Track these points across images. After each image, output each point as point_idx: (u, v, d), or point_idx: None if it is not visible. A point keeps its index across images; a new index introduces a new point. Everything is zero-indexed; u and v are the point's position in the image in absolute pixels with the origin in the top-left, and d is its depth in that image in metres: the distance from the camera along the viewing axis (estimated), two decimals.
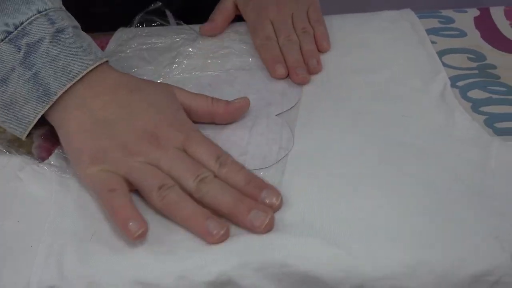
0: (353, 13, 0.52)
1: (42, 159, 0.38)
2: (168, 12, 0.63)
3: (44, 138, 0.41)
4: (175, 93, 0.37)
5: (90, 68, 0.34)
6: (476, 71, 0.43)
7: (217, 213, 0.30)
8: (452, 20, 0.50)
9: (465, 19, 0.50)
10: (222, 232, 0.29)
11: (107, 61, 0.37)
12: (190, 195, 0.31)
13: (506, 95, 0.41)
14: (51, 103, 0.34)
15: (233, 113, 0.38)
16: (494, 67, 0.44)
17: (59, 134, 0.35)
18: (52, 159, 0.37)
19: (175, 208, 0.30)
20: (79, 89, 0.34)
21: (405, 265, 0.27)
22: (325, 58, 0.45)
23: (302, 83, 0.42)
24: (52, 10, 0.35)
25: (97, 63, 0.35)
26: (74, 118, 0.34)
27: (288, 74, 0.43)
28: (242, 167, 0.33)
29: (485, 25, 0.49)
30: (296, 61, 0.43)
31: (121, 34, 0.51)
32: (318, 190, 0.32)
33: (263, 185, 0.31)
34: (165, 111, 0.35)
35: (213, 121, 0.38)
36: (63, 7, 0.37)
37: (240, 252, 0.28)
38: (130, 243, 0.30)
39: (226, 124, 0.38)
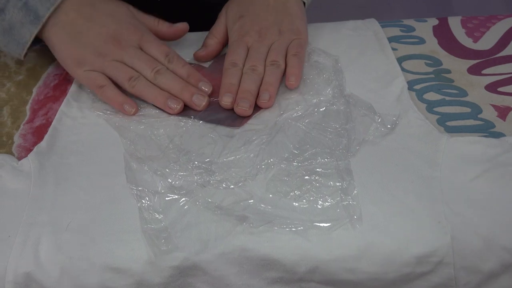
0: (321, 23, 0.55)
1: (21, 158, 0.40)
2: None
3: (24, 138, 0.43)
4: (129, 7, 0.48)
5: None
6: (432, 75, 0.47)
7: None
8: (412, 29, 0.54)
9: (425, 27, 0.54)
10: (179, 106, 0.42)
11: None
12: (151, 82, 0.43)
13: (457, 97, 0.44)
14: (41, 24, 0.44)
15: (175, 33, 0.49)
16: (449, 71, 0.47)
17: (50, 49, 0.46)
18: (30, 157, 0.39)
19: (144, 93, 0.43)
20: (55, 11, 0.44)
21: (356, 248, 0.30)
22: None
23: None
24: None
25: None
26: (54, 34, 0.45)
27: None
28: (185, 63, 0.45)
29: (442, 33, 0.53)
30: (245, 92, 0.43)
31: None
32: (274, 182, 0.34)
33: (199, 78, 0.44)
34: (122, 19, 0.46)
35: (159, 38, 0.47)
36: None
37: (202, 239, 0.31)
38: (102, 232, 0.32)
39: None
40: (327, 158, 0.36)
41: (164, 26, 0.49)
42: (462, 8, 1.32)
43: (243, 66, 0.45)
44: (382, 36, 0.52)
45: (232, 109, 0.42)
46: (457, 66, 0.48)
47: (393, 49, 0.50)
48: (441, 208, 0.32)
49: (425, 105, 0.43)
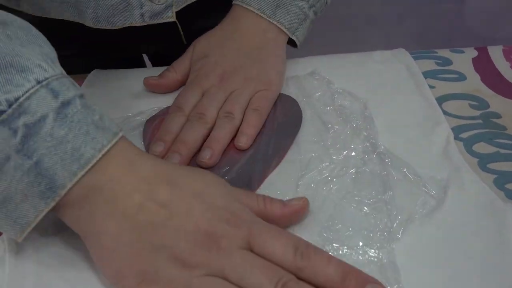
0: (344, 53, 0.49)
1: None
2: (144, 56, 0.60)
3: None
4: (223, 181, 0.31)
5: (106, 150, 0.27)
6: (480, 121, 0.40)
7: None
8: (449, 62, 0.47)
9: (463, 60, 0.47)
10: None
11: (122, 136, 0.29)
12: None
13: None
14: (57, 199, 0.26)
15: (291, 215, 0.31)
16: (499, 116, 0.40)
17: (84, 242, 0.28)
18: (5, 236, 0.32)
19: None
20: (95, 178, 0.27)
21: None
22: (314, 102, 0.41)
23: None
24: (54, 78, 0.27)
25: (114, 141, 0.28)
26: (104, 226, 0.27)
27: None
28: (330, 256, 0.26)
29: (484, 67, 0.46)
30: (180, 142, 0.36)
31: (95, 77, 0.47)
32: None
33: (365, 279, 0.25)
34: (217, 205, 0.28)
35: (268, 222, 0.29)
36: (64, 72, 0.29)
37: None
38: None
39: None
40: (365, 246, 0.29)
41: (276, 207, 0.30)
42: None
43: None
44: (416, 71, 0.45)
45: (242, 168, 0.36)
46: (507, 109, 0.41)
47: (430, 86, 0.43)
48: None
49: (477, 159, 0.36)
